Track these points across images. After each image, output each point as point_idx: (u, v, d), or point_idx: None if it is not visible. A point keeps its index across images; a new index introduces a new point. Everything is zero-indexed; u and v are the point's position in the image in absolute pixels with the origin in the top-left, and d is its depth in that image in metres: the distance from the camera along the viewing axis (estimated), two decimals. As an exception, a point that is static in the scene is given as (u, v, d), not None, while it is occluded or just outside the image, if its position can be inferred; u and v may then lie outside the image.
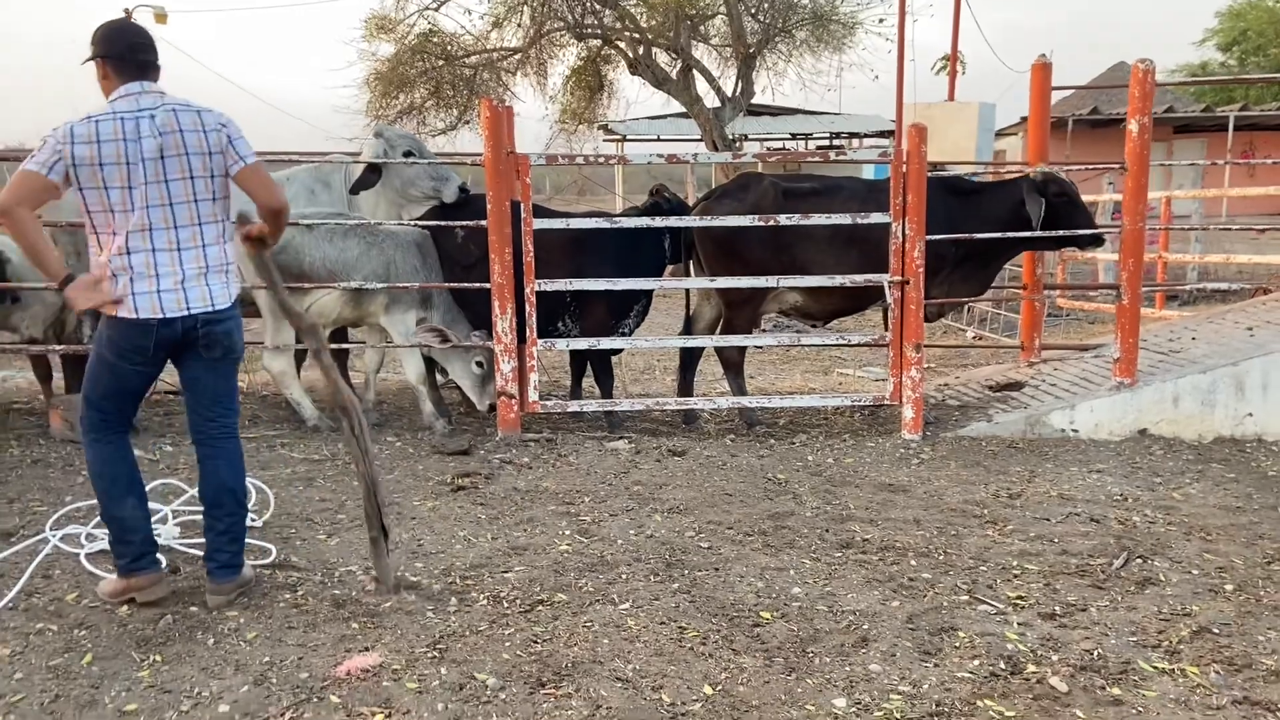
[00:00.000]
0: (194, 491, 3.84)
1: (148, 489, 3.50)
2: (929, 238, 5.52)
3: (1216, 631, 3.24)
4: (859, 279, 5.69)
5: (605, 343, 5.94)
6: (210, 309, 3.21)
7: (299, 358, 5.97)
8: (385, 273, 5.76)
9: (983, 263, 6.14)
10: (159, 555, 3.40)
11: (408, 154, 6.13)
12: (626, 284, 5.77)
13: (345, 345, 6.40)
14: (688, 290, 6.62)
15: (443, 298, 5.94)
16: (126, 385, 3.28)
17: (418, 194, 6.15)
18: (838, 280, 5.72)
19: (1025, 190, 5.79)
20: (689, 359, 6.50)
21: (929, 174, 5.57)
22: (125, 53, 3.20)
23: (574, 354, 6.33)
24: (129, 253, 3.14)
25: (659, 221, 5.78)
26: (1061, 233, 5.80)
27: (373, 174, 6.13)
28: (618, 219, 5.98)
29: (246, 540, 3.51)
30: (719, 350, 6.39)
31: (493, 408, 5.82)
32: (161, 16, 20.40)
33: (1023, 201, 5.76)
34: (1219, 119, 20.48)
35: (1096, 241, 6.00)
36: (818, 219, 5.65)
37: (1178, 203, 14.10)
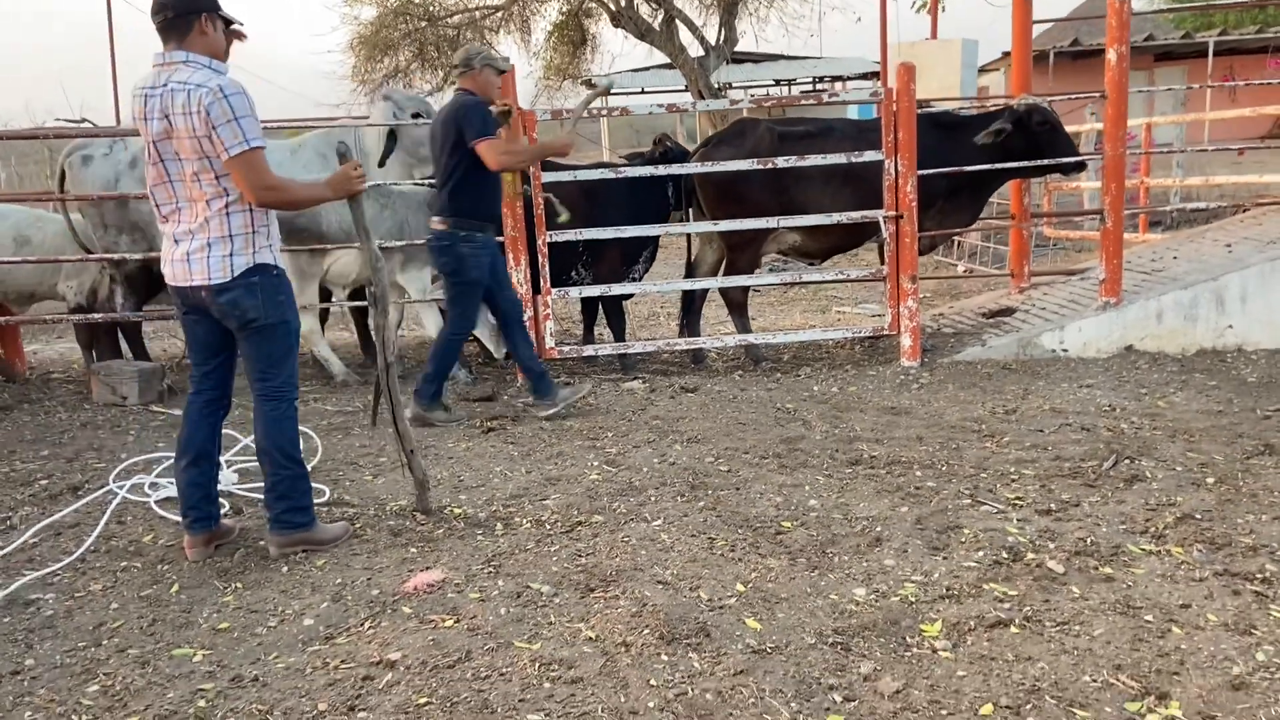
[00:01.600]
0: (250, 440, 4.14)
1: None
2: (921, 172, 5.76)
3: (1199, 518, 3.55)
4: (855, 216, 5.95)
5: (616, 289, 6.20)
6: (208, 281, 3.25)
7: (323, 316, 6.23)
8: (399, 232, 5.99)
9: (973, 194, 6.39)
10: (209, 518, 3.52)
11: (416, 115, 6.31)
12: (634, 231, 6.01)
13: (363, 303, 6.65)
14: (689, 237, 6.87)
15: None
16: (192, 337, 3.54)
17: (427, 154, 6.33)
18: (835, 218, 5.97)
19: (1005, 118, 6.02)
20: (693, 302, 6.76)
21: (918, 111, 5.80)
22: (152, 16, 3.20)
23: (585, 301, 6.59)
24: (160, 223, 3.42)
25: (662, 170, 6.01)
26: (1045, 161, 6.05)
27: (392, 140, 6.23)
28: (623, 169, 6.21)
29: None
30: (723, 292, 6.65)
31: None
32: (141, -11, 20.22)
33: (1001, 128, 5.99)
34: (1199, 45, 20.58)
35: (1079, 167, 6.25)
36: (813, 160, 5.89)
37: (1161, 129, 14.31)
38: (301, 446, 3.59)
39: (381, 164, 6.16)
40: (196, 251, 3.29)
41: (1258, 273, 5.94)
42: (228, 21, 3.31)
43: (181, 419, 3.58)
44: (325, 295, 6.35)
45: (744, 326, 6.62)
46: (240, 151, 3.15)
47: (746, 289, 6.62)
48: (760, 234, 6.27)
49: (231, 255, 3.28)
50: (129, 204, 5.94)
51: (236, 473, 4.27)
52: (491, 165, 4.79)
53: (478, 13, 19.30)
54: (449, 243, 4.88)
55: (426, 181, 6.23)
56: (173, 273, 3.37)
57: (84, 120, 9.71)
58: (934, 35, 18.00)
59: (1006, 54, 14.39)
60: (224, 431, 4.53)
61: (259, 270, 3.33)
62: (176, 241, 3.34)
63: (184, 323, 3.52)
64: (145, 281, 6.23)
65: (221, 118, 3.11)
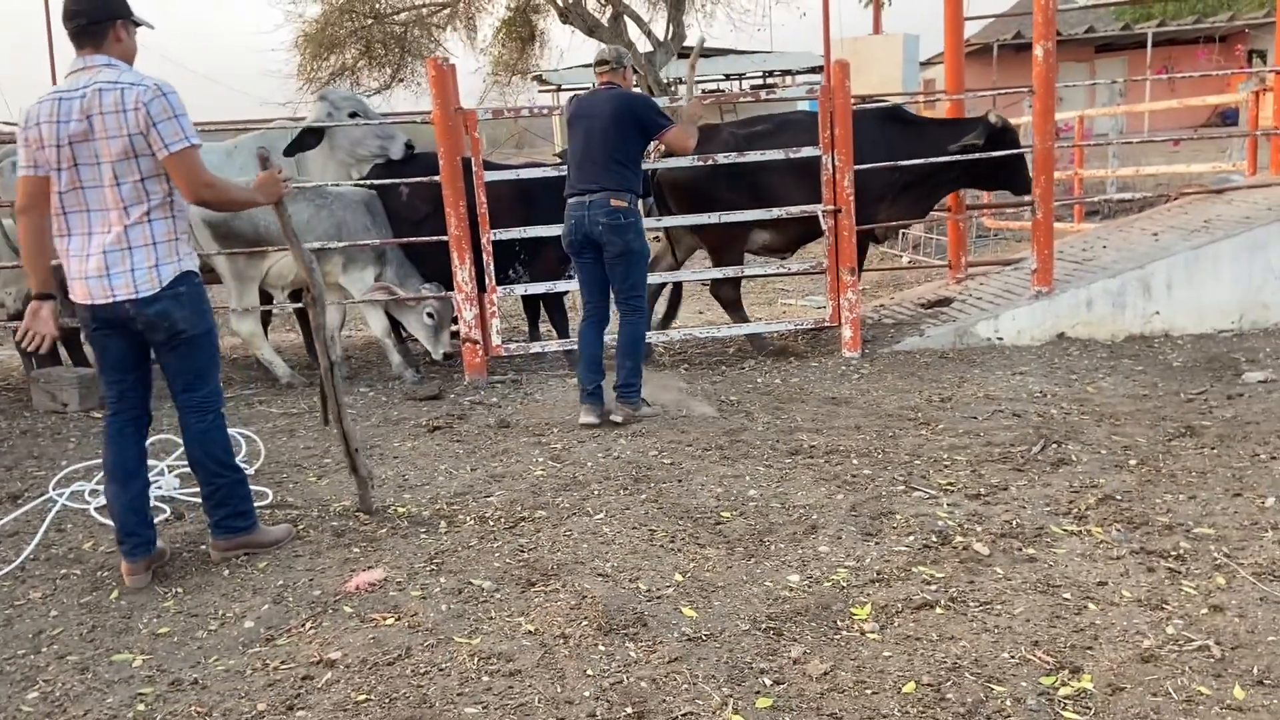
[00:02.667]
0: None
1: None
2: (860, 166, 5.88)
3: (1119, 498, 3.69)
4: (795, 210, 6.05)
5: (560, 286, 6.25)
6: (134, 295, 3.14)
7: (265, 319, 6.20)
8: (337, 233, 5.96)
9: (928, 191, 6.55)
10: (148, 542, 3.37)
11: (353, 115, 6.31)
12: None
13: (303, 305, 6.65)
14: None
15: (394, 254, 6.18)
16: (105, 358, 3.35)
17: (366, 153, 6.33)
18: (775, 213, 6.07)
19: (979, 131, 6.20)
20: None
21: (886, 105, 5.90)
22: (65, 23, 3.16)
23: (526, 299, 6.63)
24: (60, 236, 3.20)
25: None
26: (1006, 174, 6.32)
27: (311, 136, 6.17)
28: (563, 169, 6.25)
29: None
30: (716, 293, 6.74)
31: (448, 356, 6.12)
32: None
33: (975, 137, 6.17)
34: (1138, 36, 21.08)
35: (1028, 189, 6.41)
36: (753, 156, 5.98)
37: (1101, 120, 14.61)
38: (244, 449, 3.60)
39: (288, 153, 6.08)
40: (117, 264, 3.14)
41: (1183, 260, 6.13)
42: (137, 24, 3.29)
43: (104, 442, 3.43)
44: (266, 298, 6.32)
45: (742, 318, 6.72)
46: (182, 148, 3.11)
47: (738, 285, 6.69)
48: (741, 233, 6.32)
49: (157, 265, 3.18)
50: None
51: (178, 477, 4.26)
52: (684, 150, 5.15)
53: (424, 10, 19.20)
54: (633, 219, 4.93)
55: (364, 182, 6.23)
56: (87, 290, 3.16)
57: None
58: (877, 31, 18.22)
59: (948, 47, 14.59)
60: (163, 437, 4.53)
61: (185, 279, 3.25)
62: (88, 256, 3.15)
63: (93, 340, 3.32)
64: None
65: (162, 114, 3.08)
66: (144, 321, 3.21)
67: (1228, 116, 14.00)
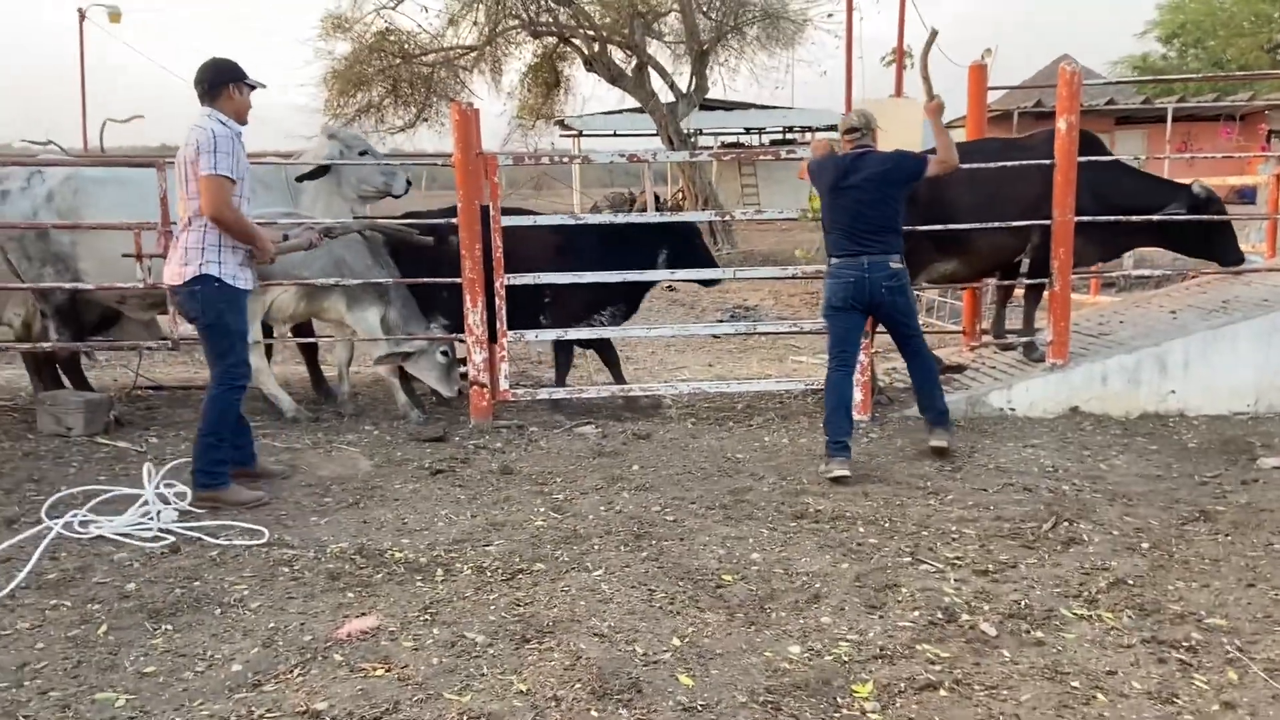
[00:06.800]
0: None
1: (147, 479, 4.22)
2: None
3: (1131, 583, 3.61)
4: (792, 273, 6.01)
5: (573, 333, 6.23)
6: (172, 283, 4.41)
7: (268, 352, 6.20)
8: (335, 270, 5.95)
9: (1117, 242, 6.60)
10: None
11: (362, 154, 6.44)
12: (592, 277, 6.04)
13: (313, 339, 6.67)
14: None
15: (399, 292, 6.18)
16: None
17: (370, 190, 6.47)
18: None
19: (1182, 200, 6.21)
20: None
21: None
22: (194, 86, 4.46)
23: (558, 345, 6.61)
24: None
25: (620, 219, 6.08)
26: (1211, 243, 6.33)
27: (321, 170, 6.32)
28: (583, 218, 6.28)
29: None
30: None
31: (461, 392, 6.09)
32: (115, 16, 20.35)
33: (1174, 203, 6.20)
34: (1158, 110, 21.20)
35: (1235, 260, 6.42)
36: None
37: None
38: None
39: (300, 179, 6.25)
40: (170, 259, 4.49)
41: (1200, 339, 6.08)
42: (251, 86, 4.51)
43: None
44: (268, 331, 6.36)
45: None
46: (207, 174, 4.25)
47: None
48: (918, 260, 6.17)
49: (186, 264, 4.36)
50: (49, 235, 5.91)
51: (176, 511, 4.22)
52: (953, 167, 5.26)
53: (452, 53, 19.47)
54: (907, 276, 5.20)
55: (409, 221, 6.31)
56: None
57: (50, 143, 9.62)
58: (899, 93, 18.38)
59: (969, 114, 14.66)
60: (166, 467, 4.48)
61: (201, 280, 4.34)
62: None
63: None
64: (76, 313, 6.17)
65: (206, 147, 4.26)
66: (176, 304, 4.79)
67: (1245, 194, 14.01)
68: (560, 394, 6.32)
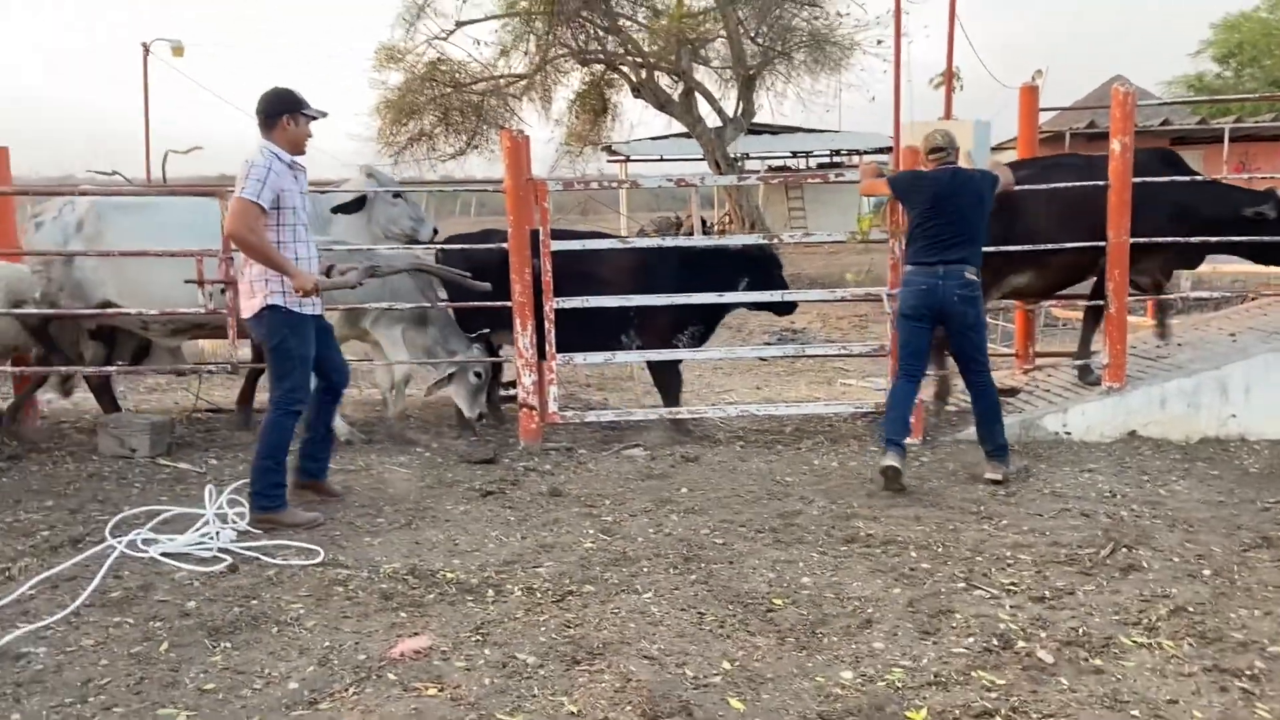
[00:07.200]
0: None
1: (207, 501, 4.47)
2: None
3: (1192, 611, 3.53)
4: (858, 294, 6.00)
5: (621, 356, 6.26)
6: (245, 316, 4.60)
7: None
8: (381, 293, 6.06)
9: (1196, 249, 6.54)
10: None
11: (396, 195, 6.60)
12: (653, 300, 6.06)
13: (376, 363, 6.77)
14: None
15: (439, 315, 6.28)
16: None
17: (398, 231, 6.67)
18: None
19: (1272, 204, 6.16)
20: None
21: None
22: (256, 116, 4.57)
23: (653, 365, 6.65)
24: None
25: (668, 242, 6.12)
26: None
27: (358, 203, 6.55)
28: (631, 240, 6.33)
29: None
30: None
31: (481, 415, 6.17)
32: (178, 50, 21.01)
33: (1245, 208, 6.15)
34: (1215, 131, 20.82)
35: None
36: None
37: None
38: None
39: (335, 210, 6.47)
40: (242, 293, 4.69)
41: (1262, 362, 5.95)
42: (310, 116, 4.57)
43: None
44: None
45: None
46: (237, 195, 4.38)
47: None
48: (993, 271, 6.12)
49: (252, 296, 4.52)
50: (73, 262, 6.16)
51: (235, 531, 4.30)
52: (1011, 185, 5.57)
53: (502, 80, 19.76)
54: (980, 292, 5.27)
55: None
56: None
57: (114, 173, 9.91)
58: (948, 115, 18.27)
59: (1020, 135, 14.51)
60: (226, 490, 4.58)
61: (268, 310, 4.48)
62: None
63: None
64: (109, 337, 6.47)
65: (243, 174, 4.39)
66: (251, 333, 4.98)
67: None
68: (609, 416, 6.35)
